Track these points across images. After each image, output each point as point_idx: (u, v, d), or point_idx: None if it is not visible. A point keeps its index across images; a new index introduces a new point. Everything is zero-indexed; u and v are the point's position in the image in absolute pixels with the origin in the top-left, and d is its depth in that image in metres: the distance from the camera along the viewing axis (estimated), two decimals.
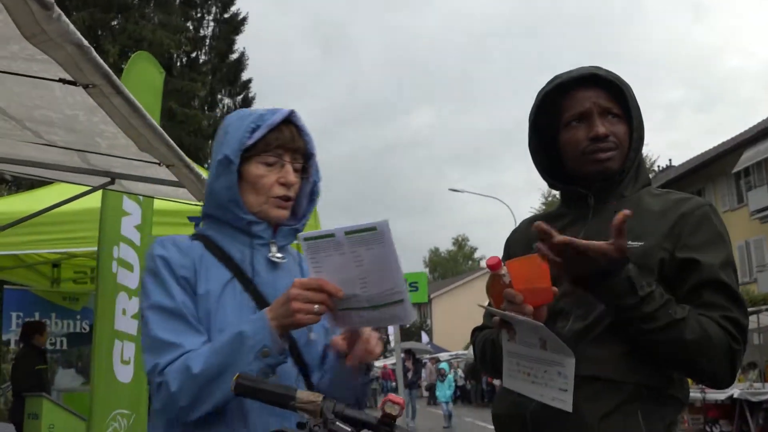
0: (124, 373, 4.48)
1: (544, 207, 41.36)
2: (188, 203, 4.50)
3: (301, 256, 1.93)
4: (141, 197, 4.63)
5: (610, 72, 1.87)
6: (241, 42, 27.74)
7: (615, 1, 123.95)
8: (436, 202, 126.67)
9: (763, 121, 27.65)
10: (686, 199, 1.81)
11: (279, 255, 1.85)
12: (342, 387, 1.73)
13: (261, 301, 1.74)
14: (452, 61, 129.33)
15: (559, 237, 1.58)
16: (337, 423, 1.22)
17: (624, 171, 1.84)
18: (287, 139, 1.81)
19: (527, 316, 1.60)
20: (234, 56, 26.71)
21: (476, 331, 2.08)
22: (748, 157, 26.43)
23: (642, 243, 1.72)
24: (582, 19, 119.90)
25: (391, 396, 1.25)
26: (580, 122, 1.84)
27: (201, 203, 4.04)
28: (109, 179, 3.70)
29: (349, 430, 1.23)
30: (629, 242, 1.71)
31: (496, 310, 1.66)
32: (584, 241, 1.59)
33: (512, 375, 1.72)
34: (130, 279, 4.61)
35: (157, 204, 5.06)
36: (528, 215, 4.53)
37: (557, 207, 2.03)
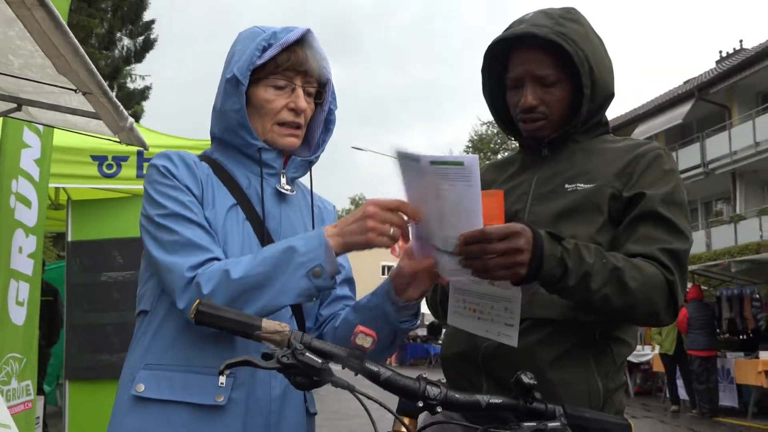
0: (18, 316, 4.22)
1: None
2: (97, 137, 4.23)
3: (311, 192, 1.85)
4: (41, 128, 4.32)
5: (559, 25, 1.72)
6: None
7: None
8: (337, 160, 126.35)
9: (657, 97, 28.85)
10: (642, 143, 1.80)
11: (288, 187, 1.73)
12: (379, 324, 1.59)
13: (261, 232, 1.64)
14: (357, 17, 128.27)
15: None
16: (307, 354, 1.15)
17: (571, 125, 1.77)
18: (300, 60, 1.68)
19: None
20: None
21: None
22: (641, 132, 27.54)
23: (593, 185, 1.71)
24: None
25: (362, 327, 1.18)
26: (516, 87, 1.81)
27: (115, 138, 3.86)
28: (15, 105, 3.37)
29: (320, 361, 1.16)
30: (580, 184, 1.71)
31: None
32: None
33: (458, 312, 1.69)
34: (28, 216, 4.33)
35: (58, 140, 4.75)
36: None
37: (515, 153, 2.00)
